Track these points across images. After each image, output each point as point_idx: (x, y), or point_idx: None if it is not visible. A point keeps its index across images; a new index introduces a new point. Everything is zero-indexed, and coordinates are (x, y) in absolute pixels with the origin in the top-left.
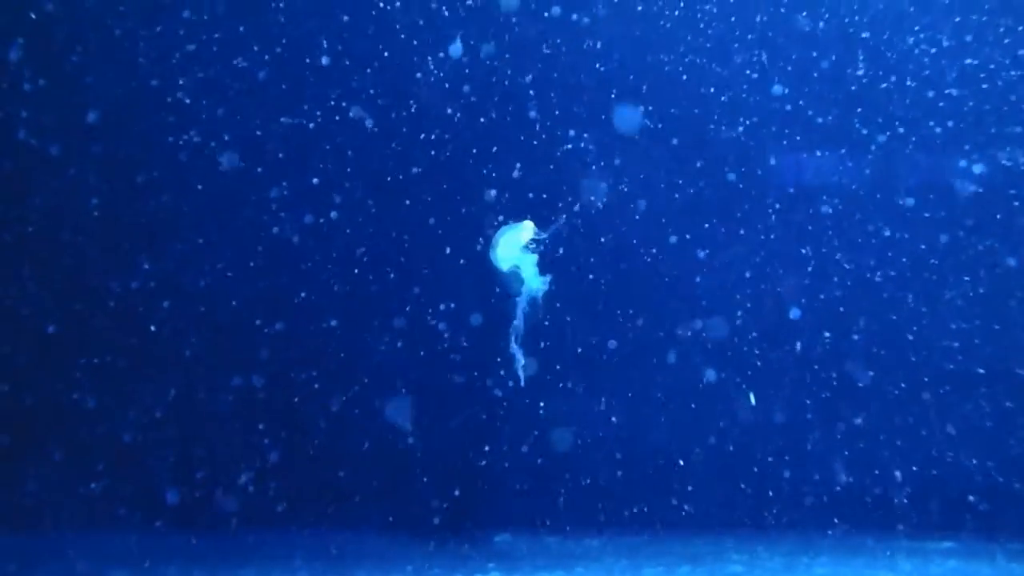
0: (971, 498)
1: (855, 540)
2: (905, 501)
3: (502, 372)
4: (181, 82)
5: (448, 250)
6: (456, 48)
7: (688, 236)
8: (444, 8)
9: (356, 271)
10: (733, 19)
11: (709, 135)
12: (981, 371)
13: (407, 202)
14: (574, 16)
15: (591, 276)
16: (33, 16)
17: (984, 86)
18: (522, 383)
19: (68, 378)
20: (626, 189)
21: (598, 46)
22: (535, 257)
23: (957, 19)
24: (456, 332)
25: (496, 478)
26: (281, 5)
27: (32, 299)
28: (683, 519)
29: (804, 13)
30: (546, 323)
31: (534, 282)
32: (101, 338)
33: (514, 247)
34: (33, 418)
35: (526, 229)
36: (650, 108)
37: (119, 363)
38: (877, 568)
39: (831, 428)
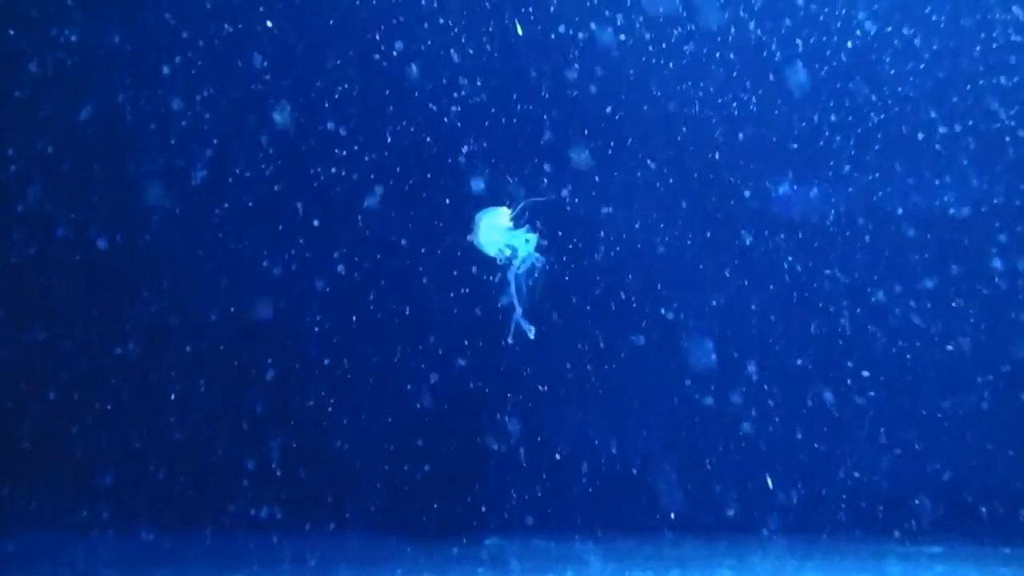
0: (960, 502)
1: (844, 544)
2: (894, 505)
3: (495, 376)
4: (184, 119)
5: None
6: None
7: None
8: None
9: (350, 276)
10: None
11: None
12: (970, 376)
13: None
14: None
15: (582, 283)
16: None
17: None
18: (532, 337)
19: (68, 381)
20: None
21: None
22: (524, 227)
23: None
24: (448, 337)
25: (486, 481)
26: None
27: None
28: (673, 523)
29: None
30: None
31: (525, 249)
32: (100, 340)
33: (498, 226)
34: (33, 420)
35: (503, 213)
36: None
37: (119, 365)
38: (866, 572)
39: (820, 432)
